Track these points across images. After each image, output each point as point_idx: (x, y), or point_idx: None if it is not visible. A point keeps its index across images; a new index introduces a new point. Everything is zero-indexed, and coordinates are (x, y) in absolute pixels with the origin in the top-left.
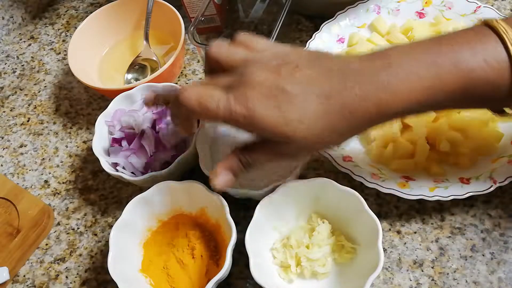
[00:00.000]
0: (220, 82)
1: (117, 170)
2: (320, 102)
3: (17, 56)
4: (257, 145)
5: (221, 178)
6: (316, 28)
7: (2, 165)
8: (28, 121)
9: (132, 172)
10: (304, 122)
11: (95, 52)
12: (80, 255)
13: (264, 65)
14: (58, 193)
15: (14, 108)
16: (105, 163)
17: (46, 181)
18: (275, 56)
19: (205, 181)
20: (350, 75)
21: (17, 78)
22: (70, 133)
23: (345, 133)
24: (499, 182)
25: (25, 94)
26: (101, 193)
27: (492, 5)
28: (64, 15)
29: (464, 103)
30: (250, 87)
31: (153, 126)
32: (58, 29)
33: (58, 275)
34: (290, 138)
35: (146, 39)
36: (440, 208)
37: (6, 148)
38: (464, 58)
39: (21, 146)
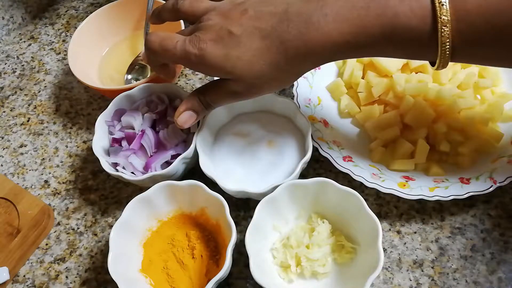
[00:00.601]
0: (185, 31)
1: (117, 170)
2: (261, 41)
3: (17, 56)
4: (211, 86)
5: (184, 116)
6: None
7: (2, 165)
8: (28, 121)
9: (132, 172)
10: (243, 59)
11: (95, 52)
12: (80, 255)
13: (219, 11)
14: (58, 193)
15: (14, 108)
16: (105, 163)
17: (46, 181)
18: (231, 2)
19: (205, 181)
20: (290, 15)
21: (17, 78)
22: (70, 133)
23: (285, 69)
24: (499, 182)
25: (25, 94)
26: (101, 193)
27: None
28: (64, 15)
29: (387, 48)
30: (203, 31)
31: (153, 126)
32: (58, 29)
33: (58, 275)
34: (231, 74)
35: None
36: (440, 208)
37: (6, 148)
38: (393, 3)
39: (21, 146)
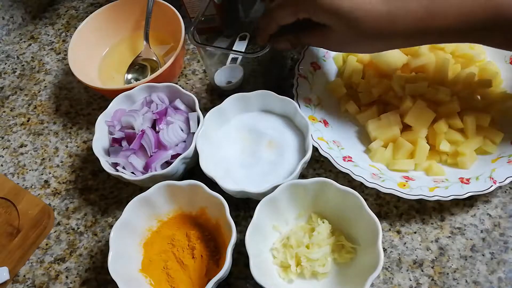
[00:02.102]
0: None
1: (117, 170)
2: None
3: (17, 56)
4: (307, 31)
5: (282, 44)
6: None
7: (2, 165)
8: (28, 121)
9: (132, 172)
10: (371, 2)
11: (95, 52)
12: (80, 255)
13: None
14: (58, 193)
15: (14, 108)
16: (105, 163)
17: (46, 181)
18: None
19: (205, 181)
20: None
21: (17, 78)
22: (70, 133)
23: (387, 36)
24: (499, 182)
25: (25, 94)
26: (101, 193)
27: None
28: (64, 15)
29: (491, 34)
30: None
31: (153, 126)
32: (58, 29)
33: (58, 275)
34: (345, 16)
35: (146, 39)
36: (440, 208)
37: (6, 148)
38: None
39: (21, 146)
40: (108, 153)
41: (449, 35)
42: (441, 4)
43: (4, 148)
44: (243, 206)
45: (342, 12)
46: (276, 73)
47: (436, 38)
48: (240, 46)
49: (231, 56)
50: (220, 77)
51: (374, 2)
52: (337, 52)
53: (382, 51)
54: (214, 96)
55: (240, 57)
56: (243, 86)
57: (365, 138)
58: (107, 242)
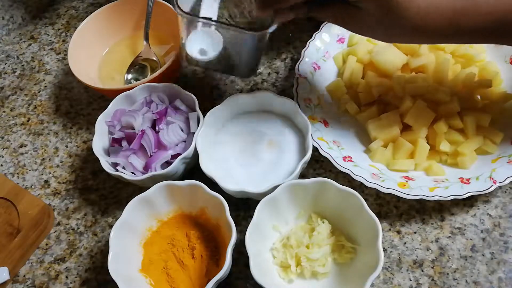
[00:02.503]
0: None
1: (117, 170)
2: None
3: (17, 56)
4: (325, 5)
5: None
6: (316, 28)
7: (2, 165)
8: (28, 121)
9: (132, 172)
10: None
11: (95, 52)
12: (80, 255)
13: None
14: (58, 193)
15: (14, 108)
16: (105, 163)
17: (46, 181)
18: None
19: (205, 181)
20: None
21: (17, 78)
22: (70, 133)
23: (421, 33)
24: (499, 182)
25: (25, 94)
26: (101, 193)
27: None
28: (64, 15)
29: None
30: None
31: (153, 126)
32: (58, 29)
33: (58, 275)
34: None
35: (146, 39)
36: (440, 208)
37: (6, 148)
38: None
39: (21, 146)
40: (108, 153)
41: (483, 34)
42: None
43: (4, 148)
44: (243, 206)
45: None
46: (259, 53)
47: (468, 38)
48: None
49: (202, 16)
50: (192, 45)
51: None
52: (338, 52)
53: (409, 43)
54: (214, 96)
55: (214, 18)
56: (220, 61)
57: (365, 138)
58: (107, 242)
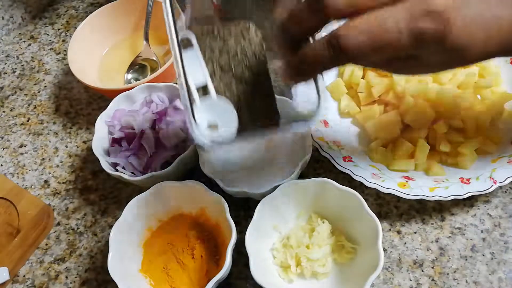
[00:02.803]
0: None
1: (117, 170)
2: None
3: (17, 56)
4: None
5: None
6: None
7: (2, 165)
8: (28, 121)
9: (132, 172)
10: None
11: (95, 52)
12: (80, 255)
13: None
14: (58, 193)
15: (14, 108)
16: (105, 163)
17: (46, 181)
18: None
19: (205, 181)
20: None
21: (17, 78)
22: (70, 133)
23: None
24: (499, 182)
25: (25, 94)
26: (101, 193)
27: None
28: (64, 15)
29: None
30: None
31: (153, 126)
32: (58, 29)
33: (58, 275)
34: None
35: (146, 39)
36: (440, 208)
37: (6, 148)
38: None
39: (21, 146)
40: (108, 153)
41: None
42: None
43: (4, 148)
44: (243, 206)
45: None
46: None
47: None
48: (190, 58)
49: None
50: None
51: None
52: None
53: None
54: None
55: (209, 84)
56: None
57: (365, 138)
58: (107, 242)
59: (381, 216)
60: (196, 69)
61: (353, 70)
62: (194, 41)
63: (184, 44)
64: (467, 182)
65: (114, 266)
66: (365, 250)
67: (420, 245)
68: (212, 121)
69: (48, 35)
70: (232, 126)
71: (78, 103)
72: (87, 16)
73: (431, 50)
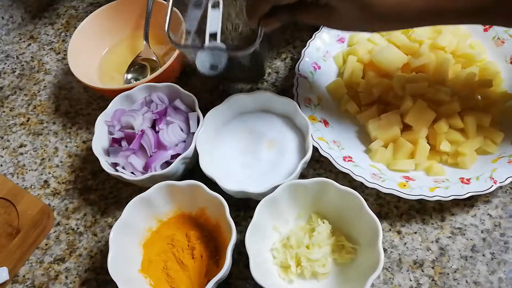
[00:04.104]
0: None
1: (116, 170)
2: None
3: (16, 56)
4: (304, 8)
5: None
6: (316, 28)
7: (2, 165)
8: (27, 121)
9: (132, 172)
10: None
11: (95, 52)
12: (80, 255)
13: None
14: (58, 193)
15: (13, 108)
16: (105, 163)
17: (46, 181)
18: None
19: (205, 181)
20: None
21: (17, 78)
22: (70, 133)
23: (400, 19)
24: (499, 182)
25: (24, 94)
26: (101, 193)
27: None
28: (64, 15)
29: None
30: None
31: (153, 126)
32: (58, 29)
33: (58, 275)
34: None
35: (146, 39)
36: (440, 208)
37: (6, 148)
38: None
39: (20, 146)
40: (107, 153)
41: (460, 16)
42: None
43: (3, 148)
44: (243, 206)
45: None
46: (261, 59)
47: (448, 20)
48: (214, 15)
49: (208, 33)
50: (203, 62)
51: None
52: (338, 52)
53: (392, 30)
54: (214, 96)
55: (218, 34)
56: (229, 71)
57: (365, 138)
58: (107, 242)
59: (381, 216)
60: (215, 23)
61: (353, 70)
62: (221, 3)
63: (214, 4)
64: (467, 182)
65: (114, 266)
66: (365, 250)
67: (420, 245)
68: (212, 63)
69: (48, 35)
70: (224, 62)
71: (78, 103)
72: (87, 16)
73: (347, 2)
